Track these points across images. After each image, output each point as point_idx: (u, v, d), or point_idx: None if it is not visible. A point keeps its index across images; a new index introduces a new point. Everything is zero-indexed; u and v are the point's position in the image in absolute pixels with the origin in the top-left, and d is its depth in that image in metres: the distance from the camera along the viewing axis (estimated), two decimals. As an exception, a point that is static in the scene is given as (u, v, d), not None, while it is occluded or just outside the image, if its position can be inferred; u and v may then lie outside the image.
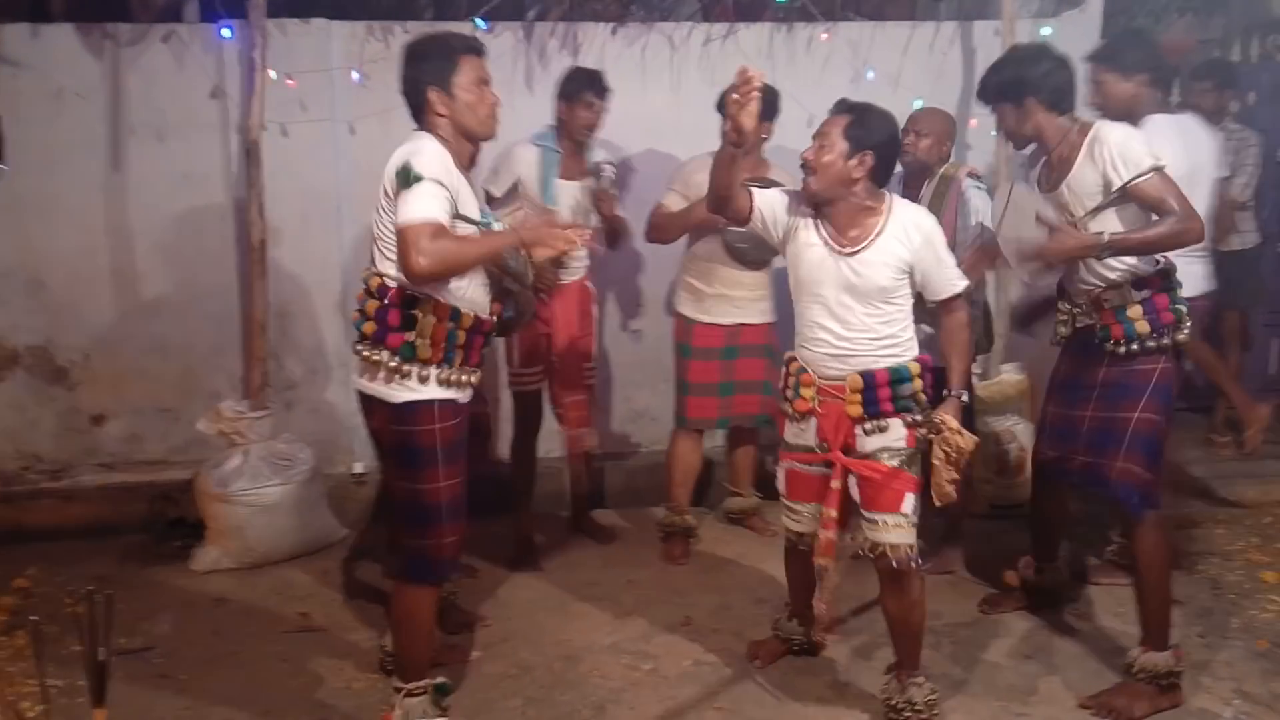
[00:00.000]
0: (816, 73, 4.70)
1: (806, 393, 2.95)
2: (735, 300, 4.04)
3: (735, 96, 2.64)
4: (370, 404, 2.82)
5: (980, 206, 3.69)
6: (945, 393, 2.89)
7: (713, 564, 4.14)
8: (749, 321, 4.07)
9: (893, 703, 2.99)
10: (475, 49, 2.78)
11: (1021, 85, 3.05)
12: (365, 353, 2.74)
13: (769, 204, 2.98)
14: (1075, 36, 4.36)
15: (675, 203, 4.02)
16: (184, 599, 3.84)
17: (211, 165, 4.45)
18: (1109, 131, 2.97)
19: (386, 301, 2.71)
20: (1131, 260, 3.02)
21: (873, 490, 2.87)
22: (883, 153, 2.82)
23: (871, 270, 2.82)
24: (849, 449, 2.90)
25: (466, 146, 2.79)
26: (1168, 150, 3.06)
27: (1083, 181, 2.99)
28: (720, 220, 3.84)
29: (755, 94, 2.63)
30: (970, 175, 3.80)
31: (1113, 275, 3.04)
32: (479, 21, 4.41)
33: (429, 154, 2.64)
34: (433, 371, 2.71)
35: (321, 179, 4.48)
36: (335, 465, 4.66)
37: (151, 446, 4.63)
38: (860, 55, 4.72)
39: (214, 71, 4.38)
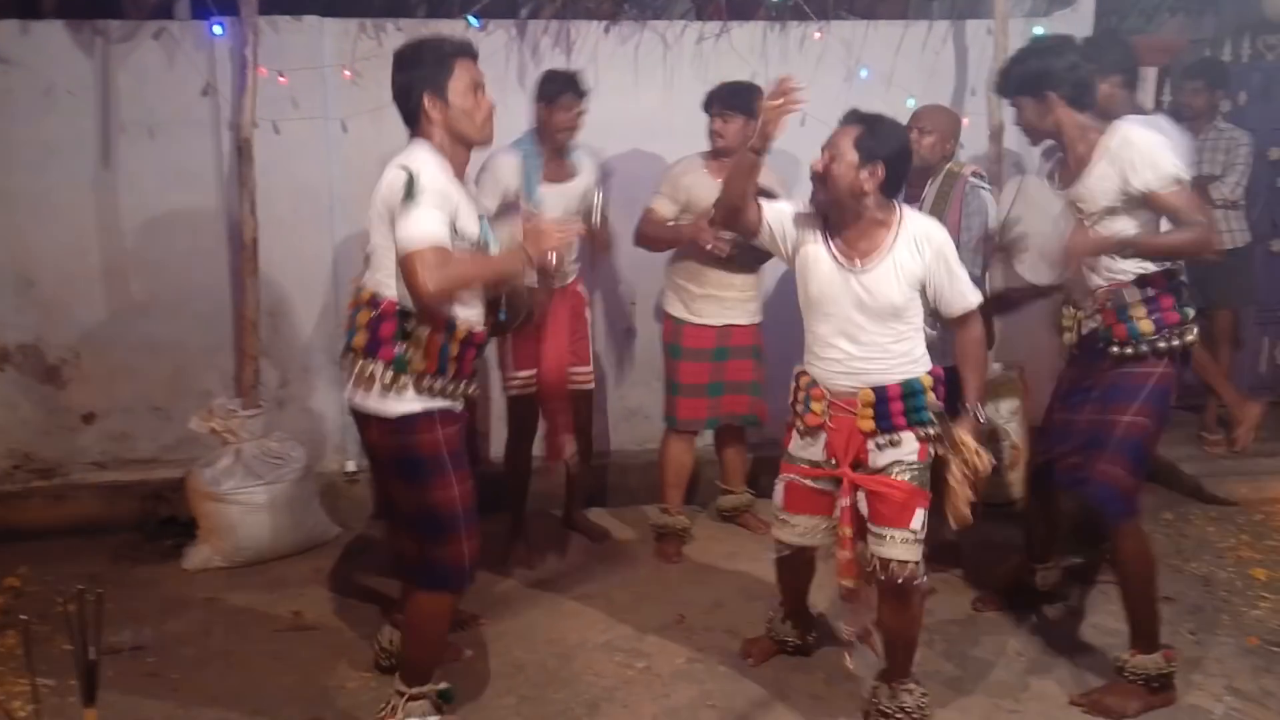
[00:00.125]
0: (809, 72, 4.69)
1: (817, 407, 2.90)
2: (725, 301, 4.04)
3: (776, 104, 2.62)
4: (365, 420, 2.76)
5: (985, 206, 3.65)
6: (961, 407, 2.83)
7: (705, 562, 4.14)
8: (738, 322, 4.07)
9: (883, 708, 2.97)
10: (468, 52, 2.72)
11: (1044, 78, 2.98)
12: (355, 365, 2.69)
13: (778, 217, 2.92)
14: (1062, 33, 4.36)
15: (664, 206, 4.00)
16: (175, 598, 3.83)
17: (203, 163, 4.44)
18: (1137, 134, 2.92)
19: (379, 312, 2.66)
20: (1138, 260, 2.98)
21: (883, 505, 2.82)
22: (894, 164, 2.74)
23: (883, 287, 2.77)
24: (859, 464, 2.86)
25: (461, 153, 2.74)
26: None
27: (1101, 181, 2.94)
28: (703, 245, 3.86)
29: (797, 105, 2.61)
30: (974, 174, 3.76)
31: (1119, 275, 3.00)
32: (472, 19, 4.39)
33: (430, 170, 2.59)
34: (426, 383, 2.67)
35: (313, 177, 4.47)
36: (327, 463, 4.65)
37: (143, 445, 4.61)
38: (853, 54, 4.72)
39: (205, 69, 4.36)
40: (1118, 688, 3.08)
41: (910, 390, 2.82)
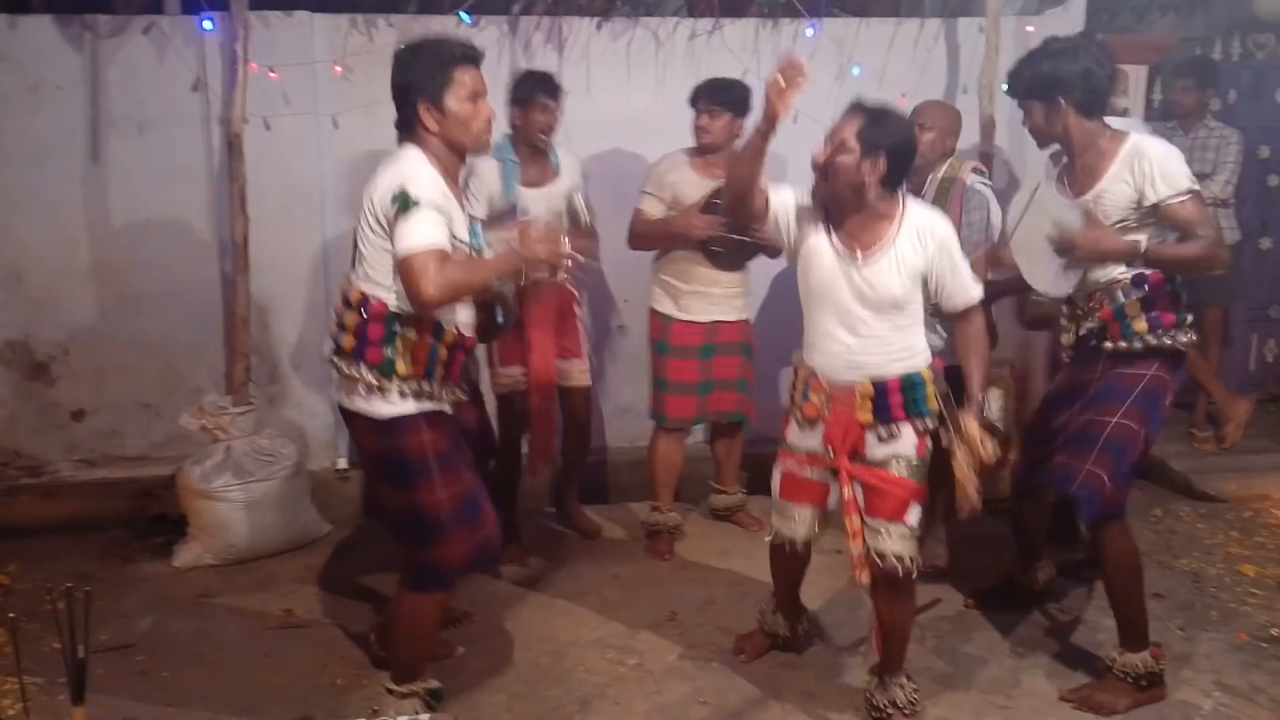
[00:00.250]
0: (801, 69, 4.69)
1: (816, 398, 2.89)
2: (712, 298, 4.03)
3: (781, 82, 2.57)
4: (353, 420, 2.74)
5: (985, 204, 3.64)
6: (965, 398, 2.81)
7: (697, 559, 4.14)
8: (726, 319, 4.06)
9: (875, 702, 2.99)
10: (470, 59, 2.66)
11: (1055, 83, 2.92)
12: (343, 368, 2.67)
13: (784, 206, 2.89)
14: (1058, 34, 4.36)
15: (653, 207, 3.99)
16: (166, 596, 3.82)
17: (193, 159, 4.42)
18: (1151, 147, 2.89)
19: (368, 315, 2.64)
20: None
21: (878, 498, 2.83)
22: (897, 157, 2.70)
23: (884, 280, 2.76)
24: (856, 455, 2.86)
25: (455, 161, 2.71)
26: None
27: (1115, 194, 2.91)
28: (695, 238, 3.85)
29: (803, 82, 2.57)
30: (975, 171, 3.76)
31: (1117, 273, 2.98)
32: (463, 15, 4.38)
33: (424, 177, 2.56)
34: (413, 386, 2.65)
35: (304, 173, 4.45)
36: (319, 461, 4.64)
37: (133, 442, 4.60)
38: (845, 51, 4.72)
39: (195, 64, 4.34)
40: (1107, 684, 3.09)
41: (910, 383, 2.81)
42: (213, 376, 4.55)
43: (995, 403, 4.36)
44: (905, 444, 2.83)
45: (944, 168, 3.73)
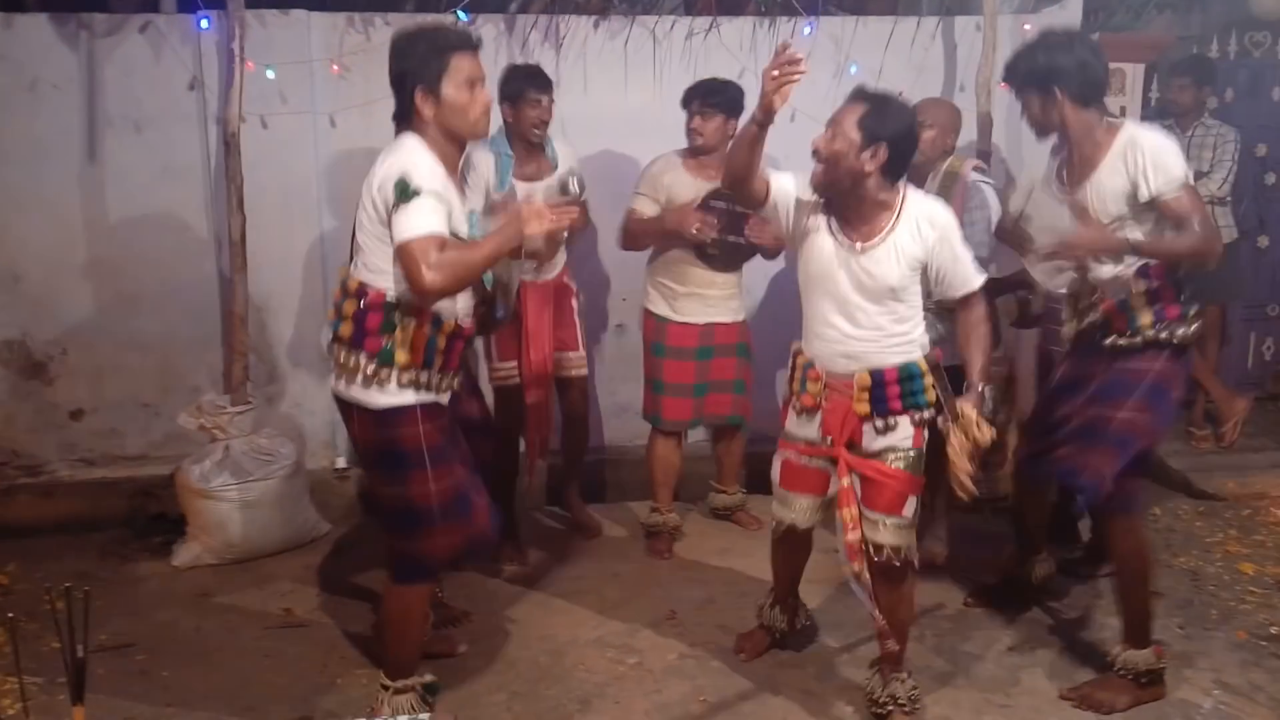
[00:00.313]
0: (799, 67, 4.69)
1: (813, 388, 2.89)
2: (708, 299, 4.02)
3: (775, 73, 2.55)
4: (349, 409, 2.74)
5: (987, 202, 3.63)
6: (965, 385, 2.81)
7: (697, 558, 4.14)
8: (722, 320, 4.05)
9: (875, 697, 3.00)
10: (467, 45, 2.65)
11: (1051, 74, 2.94)
12: (340, 355, 2.67)
13: (783, 192, 2.87)
14: (1073, 28, 4.37)
15: (645, 206, 3.99)
16: (165, 595, 3.82)
17: (190, 157, 4.41)
18: (1145, 138, 2.89)
19: (366, 303, 2.64)
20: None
21: (875, 490, 2.83)
22: (898, 146, 2.69)
23: (883, 269, 2.75)
24: (854, 446, 2.86)
25: (454, 149, 2.70)
26: None
27: (1109, 186, 2.92)
28: (690, 234, 3.85)
29: (799, 73, 2.55)
30: (976, 169, 3.75)
31: (1121, 267, 2.98)
32: (460, 13, 4.38)
33: (424, 165, 2.56)
34: (410, 376, 2.65)
35: (301, 171, 4.44)
36: (318, 460, 4.64)
37: (131, 441, 4.59)
38: (842, 50, 4.71)
39: (192, 63, 4.33)
40: (1108, 682, 3.10)
41: (907, 374, 2.81)
42: (211, 375, 4.54)
43: (991, 398, 4.37)
44: (902, 436, 2.83)
45: (945, 165, 3.72)
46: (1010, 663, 3.35)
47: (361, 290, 2.66)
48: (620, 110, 4.57)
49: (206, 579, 3.94)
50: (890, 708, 2.96)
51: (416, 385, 2.67)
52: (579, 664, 3.34)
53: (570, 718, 3.06)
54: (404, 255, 2.49)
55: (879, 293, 2.77)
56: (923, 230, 2.76)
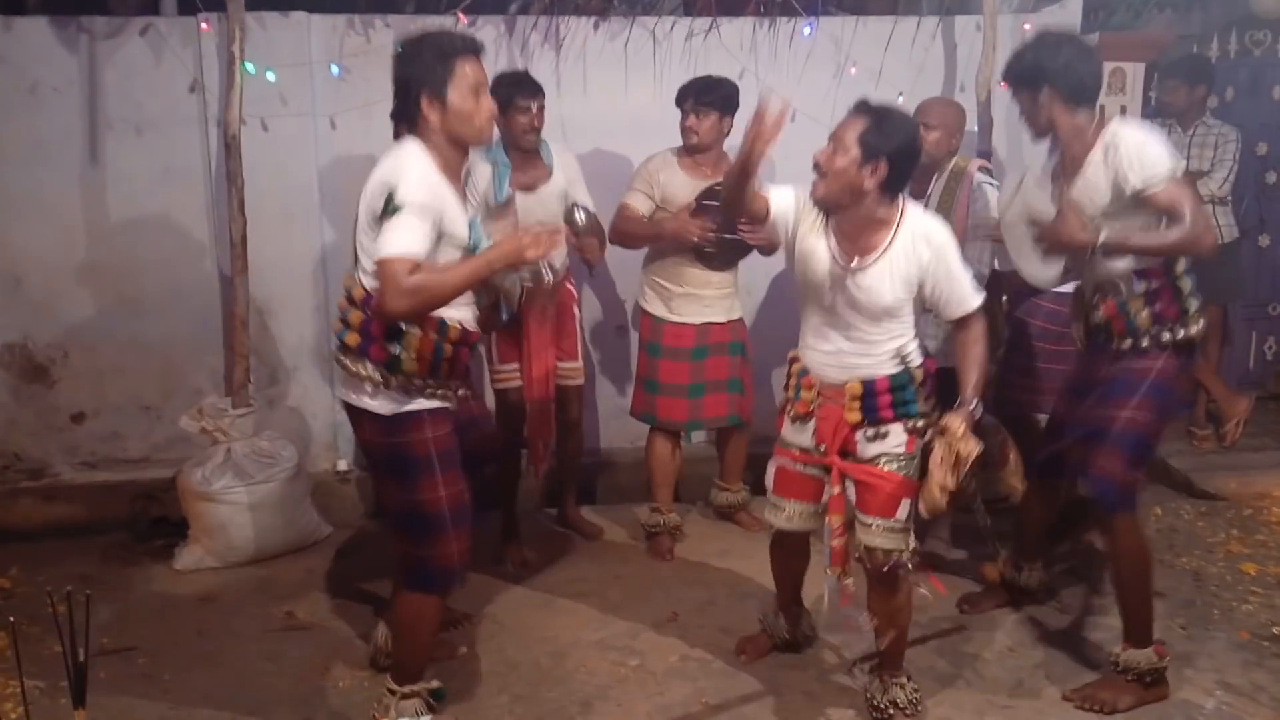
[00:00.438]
0: (799, 68, 4.70)
1: (807, 395, 2.90)
2: (704, 299, 4.02)
3: (760, 130, 2.60)
4: (358, 416, 2.74)
5: (992, 203, 3.63)
6: (958, 401, 2.79)
7: (698, 560, 4.14)
8: (717, 320, 4.05)
9: (875, 702, 3.00)
10: (472, 50, 2.64)
11: (1039, 74, 2.96)
12: (348, 365, 2.67)
13: (782, 208, 2.88)
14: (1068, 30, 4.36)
15: (639, 202, 3.98)
16: (167, 598, 3.82)
17: (191, 160, 4.41)
18: (1127, 133, 2.90)
19: (370, 312, 2.63)
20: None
21: (868, 494, 2.84)
22: (898, 162, 2.67)
23: (877, 286, 2.75)
24: (848, 453, 2.87)
25: (457, 155, 2.68)
26: None
27: (1094, 182, 2.92)
28: (688, 239, 3.85)
29: (779, 131, 2.59)
30: (981, 170, 3.75)
31: (1118, 265, 2.97)
32: (460, 14, 4.37)
33: (414, 176, 2.54)
34: (418, 383, 2.65)
35: (302, 174, 4.45)
36: (319, 462, 4.64)
37: (133, 444, 4.59)
38: (842, 50, 4.72)
39: (192, 65, 4.34)
40: (1110, 683, 3.09)
41: (899, 384, 2.81)
42: (212, 378, 4.55)
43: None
44: (894, 443, 2.84)
45: (950, 165, 3.72)
46: (1012, 664, 3.34)
47: (366, 298, 2.65)
48: (620, 111, 4.58)
49: (208, 582, 3.94)
50: (891, 712, 2.96)
51: (424, 392, 2.67)
52: (581, 666, 3.34)
53: (572, 720, 3.07)
54: (379, 271, 2.52)
55: (873, 311, 2.77)
56: (919, 249, 2.74)
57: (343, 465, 4.66)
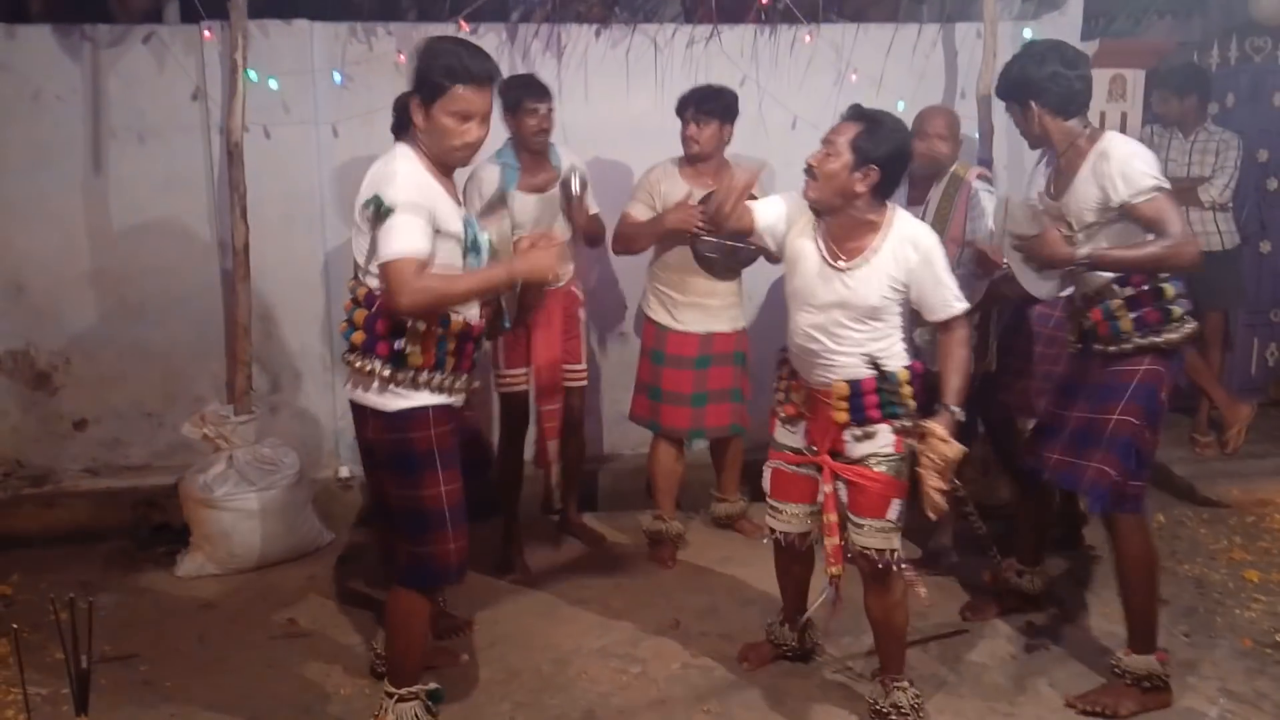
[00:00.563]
0: (799, 75, 4.71)
1: (795, 396, 2.95)
2: (708, 309, 4.03)
3: (728, 199, 2.80)
4: (363, 414, 2.78)
5: (988, 210, 3.64)
6: (937, 406, 2.82)
7: (700, 567, 4.13)
8: (721, 330, 4.05)
9: (878, 707, 3.00)
10: (479, 81, 2.62)
11: (1025, 86, 2.99)
12: (355, 362, 2.71)
13: (769, 218, 2.93)
14: (1056, 39, 4.37)
15: (640, 211, 3.99)
16: (168, 605, 3.81)
17: (193, 167, 4.43)
18: (1116, 146, 2.91)
19: (374, 310, 2.68)
20: None
21: (859, 495, 2.87)
22: (889, 168, 2.72)
23: (864, 288, 2.78)
24: (837, 454, 2.90)
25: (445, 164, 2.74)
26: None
27: (1083, 194, 2.94)
28: (689, 230, 3.86)
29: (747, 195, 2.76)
30: (979, 178, 3.76)
31: (1104, 277, 3.00)
32: (462, 22, 4.38)
33: (401, 177, 2.58)
34: (425, 378, 2.69)
35: (304, 181, 4.46)
36: (321, 470, 4.64)
37: (135, 451, 4.60)
38: (843, 57, 4.73)
39: (195, 73, 4.35)
40: (1113, 689, 3.09)
41: (886, 385, 2.83)
42: (214, 385, 4.55)
43: None
44: (882, 443, 2.86)
45: (949, 173, 3.74)
46: (1014, 670, 3.34)
47: (370, 297, 2.70)
48: (622, 118, 4.59)
49: (210, 589, 3.94)
50: (893, 717, 2.96)
51: (430, 387, 2.70)
52: (582, 673, 3.34)
53: (574, 727, 3.06)
54: (385, 275, 2.56)
55: (859, 311, 2.81)
56: (906, 252, 2.78)
57: (344, 472, 4.67)
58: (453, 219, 2.68)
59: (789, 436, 3.01)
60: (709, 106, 3.89)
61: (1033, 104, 2.99)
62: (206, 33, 4.28)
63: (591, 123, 4.50)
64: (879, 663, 3.06)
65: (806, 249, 2.87)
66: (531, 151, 3.86)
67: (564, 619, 3.71)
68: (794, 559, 3.19)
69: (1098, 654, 3.36)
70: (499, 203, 3.79)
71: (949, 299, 2.83)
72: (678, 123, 3.98)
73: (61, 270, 4.42)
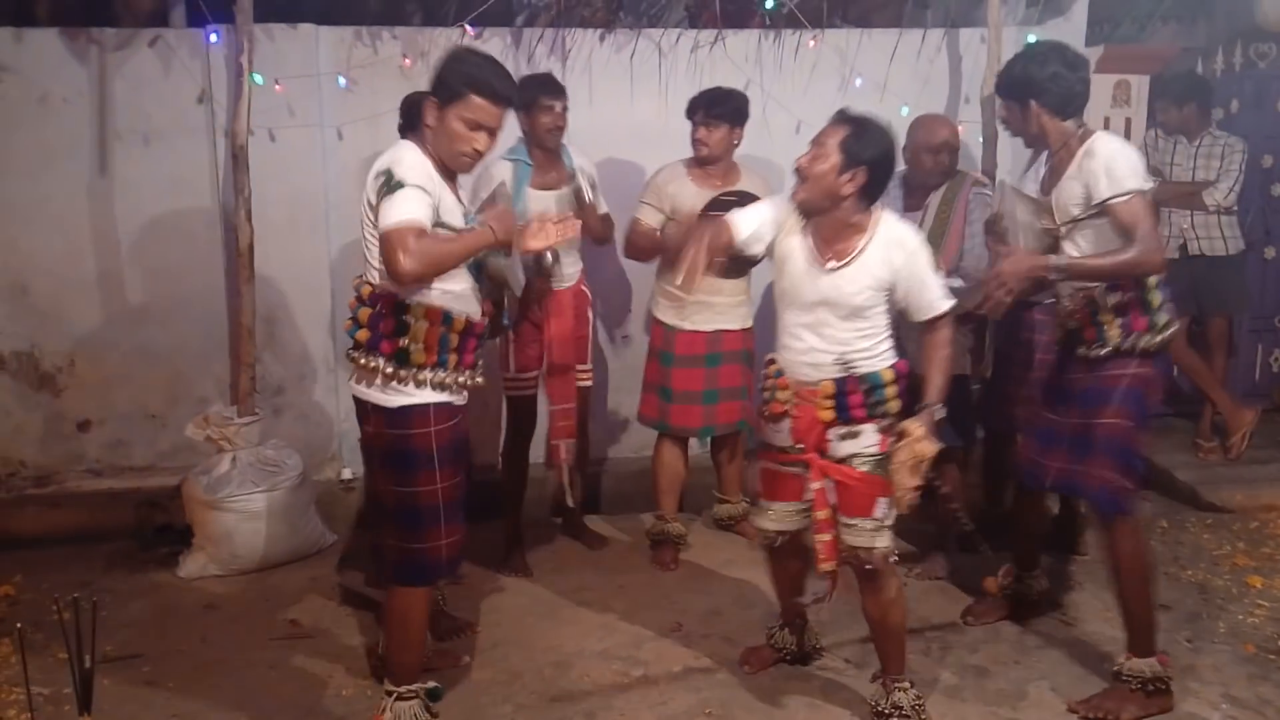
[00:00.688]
0: (804, 80, 4.71)
1: (782, 395, 2.96)
2: (716, 307, 4.03)
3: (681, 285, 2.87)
4: (365, 410, 2.82)
5: (987, 213, 3.66)
6: (919, 406, 2.85)
7: (702, 569, 4.13)
8: (729, 328, 4.07)
9: (879, 708, 3.01)
10: (497, 98, 2.69)
11: (1026, 86, 3.03)
12: (360, 359, 2.75)
13: (750, 226, 2.96)
14: (1057, 40, 4.37)
15: (650, 216, 4.01)
16: (171, 606, 3.82)
17: (198, 170, 4.44)
18: (1101, 144, 2.95)
19: (379, 308, 2.72)
20: None
21: (845, 494, 2.89)
22: (876, 170, 2.77)
23: (850, 287, 2.82)
24: (822, 453, 2.92)
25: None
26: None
27: (1069, 190, 2.98)
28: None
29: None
30: (976, 183, 3.78)
31: (1088, 284, 3.01)
32: (467, 26, 4.40)
33: (409, 161, 2.65)
34: (427, 375, 2.72)
35: (309, 184, 4.47)
36: (323, 471, 4.65)
37: (138, 452, 4.61)
38: (848, 62, 4.73)
39: (201, 76, 4.37)
40: (1115, 693, 3.09)
41: (871, 383, 2.86)
42: (218, 387, 4.56)
43: None
44: (867, 443, 2.88)
45: (947, 179, 3.74)
46: (1016, 675, 3.34)
47: (374, 296, 2.74)
48: (626, 122, 4.60)
49: (213, 590, 3.95)
50: (895, 717, 2.97)
51: (432, 384, 2.73)
52: (584, 676, 3.34)
53: (575, 730, 3.06)
54: (384, 243, 2.58)
55: (846, 310, 2.84)
56: (892, 253, 2.82)
57: (347, 474, 4.67)
58: (454, 213, 2.73)
59: (776, 436, 3.03)
60: (719, 110, 3.90)
61: (1033, 103, 3.03)
62: (212, 36, 4.29)
63: (596, 127, 4.49)
64: (879, 663, 3.06)
65: (795, 250, 2.91)
66: (545, 149, 3.88)
67: (566, 621, 3.71)
68: (788, 556, 3.20)
69: (1099, 658, 3.36)
70: (509, 198, 3.80)
71: (933, 299, 2.87)
72: (682, 127, 3.99)
73: (66, 272, 4.43)
